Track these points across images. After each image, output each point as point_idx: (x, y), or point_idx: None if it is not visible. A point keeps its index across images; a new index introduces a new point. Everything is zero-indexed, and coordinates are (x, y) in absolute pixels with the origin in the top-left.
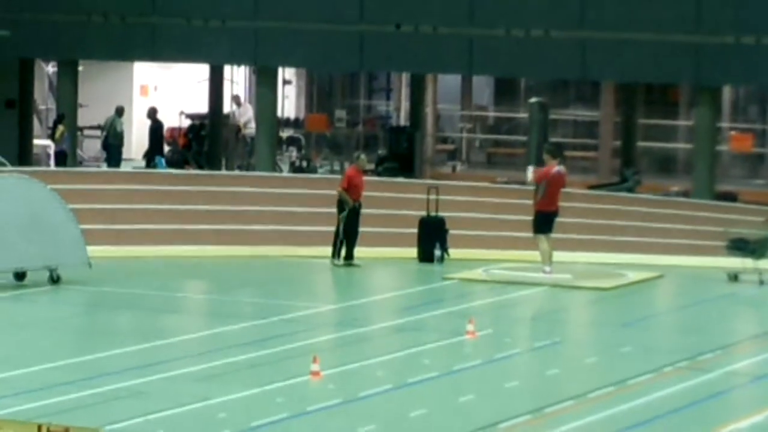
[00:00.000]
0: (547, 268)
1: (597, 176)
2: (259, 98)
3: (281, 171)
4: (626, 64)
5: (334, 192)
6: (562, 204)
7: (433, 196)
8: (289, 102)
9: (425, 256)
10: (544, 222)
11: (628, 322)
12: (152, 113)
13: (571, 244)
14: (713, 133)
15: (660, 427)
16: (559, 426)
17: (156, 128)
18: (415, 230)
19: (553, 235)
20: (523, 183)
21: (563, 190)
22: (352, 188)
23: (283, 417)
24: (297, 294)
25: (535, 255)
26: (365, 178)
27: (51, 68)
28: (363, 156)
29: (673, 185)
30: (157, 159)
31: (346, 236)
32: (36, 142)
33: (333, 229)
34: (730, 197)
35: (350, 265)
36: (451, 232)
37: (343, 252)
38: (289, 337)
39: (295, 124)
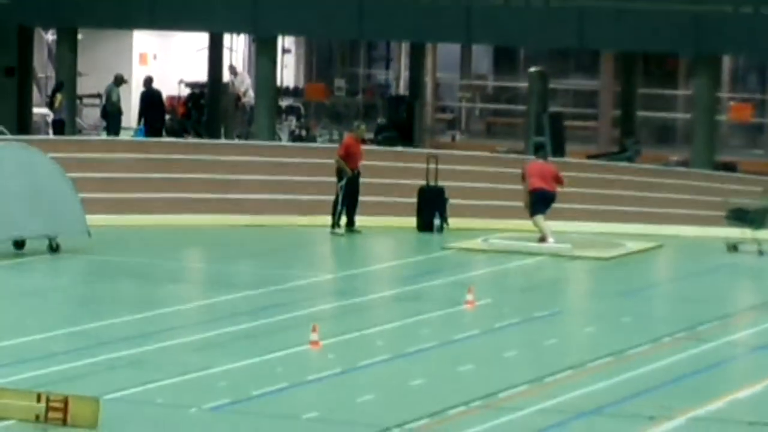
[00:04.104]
0: (551, 239)
1: (596, 146)
2: (259, 67)
3: (280, 140)
4: (625, 34)
5: (333, 161)
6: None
7: (432, 166)
8: (288, 71)
9: (424, 225)
10: (538, 202)
11: (627, 292)
12: (146, 82)
13: (570, 214)
14: (712, 103)
15: (659, 398)
16: (558, 396)
17: (147, 95)
18: (414, 200)
19: (553, 204)
20: (522, 152)
21: (563, 160)
22: (349, 157)
23: (282, 386)
24: (296, 263)
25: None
26: (364, 147)
27: (50, 36)
28: (363, 126)
29: (672, 155)
30: (136, 129)
31: (346, 204)
32: (35, 110)
33: (332, 198)
34: (730, 167)
35: (352, 231)
36: (451, 201)
37: (343, 220)
38: (288, 306)
39: (295, 92)
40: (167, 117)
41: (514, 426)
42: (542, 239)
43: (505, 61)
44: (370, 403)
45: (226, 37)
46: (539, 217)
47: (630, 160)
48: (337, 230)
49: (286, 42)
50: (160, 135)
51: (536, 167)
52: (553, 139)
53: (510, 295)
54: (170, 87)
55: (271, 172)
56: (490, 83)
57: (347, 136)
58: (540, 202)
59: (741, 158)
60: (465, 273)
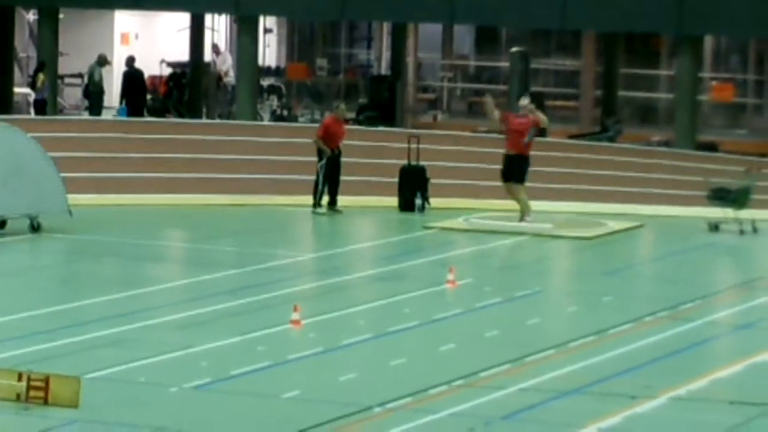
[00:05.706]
0: (530, 218)
1: (578, 126)
2: (240, 47)
3: (262, 119)
4: (608, 14)
5: (312, 141)
6: (542, 153)
7: (414, 145)
8: (269, 51)
9: (406, 205)
10: (510, 169)
11: (609, 271)
12: (128, 62)
13: (552, 194)
14: (694, 83)
15: (640, 377)
16: (539, 375)
17: (129, 75)
18: (395, 179)
19: (534, 184)
20: (500, 132)
21: (545, 139)
22: (329, 137)
23: (263, 365)
24: (278, 242)
25: (515, 204)
26: (346, 127)
27: (31, 16)
28: (343, 105)
29: (654, 135)
30: (118, 109)
31: (327, 184)
32: (16, 90)
33: (314, 177)
34: (712, 147)
35: (333, 210)
36: (432, 181)
37: (325, 199)
38: (269, 285)
39: (276, 72)
40: (149, 97)
41: (495, 405)
42: (522, 218)
43: (486, 41)
44: (352, 383)
45: (208, 17)
46: (512, 185)
47: (611, 140)
48: (318, 209)
49: (267, 22)
50: (141, 114)
51: (515, 122)
52: None
53: (491, 275)
54: (152, 67)
55: (252, 151)
56: (472, 63)
57: (327, 117)
58: (511, 168)
59: (723, 138)
60: (446, 252)
